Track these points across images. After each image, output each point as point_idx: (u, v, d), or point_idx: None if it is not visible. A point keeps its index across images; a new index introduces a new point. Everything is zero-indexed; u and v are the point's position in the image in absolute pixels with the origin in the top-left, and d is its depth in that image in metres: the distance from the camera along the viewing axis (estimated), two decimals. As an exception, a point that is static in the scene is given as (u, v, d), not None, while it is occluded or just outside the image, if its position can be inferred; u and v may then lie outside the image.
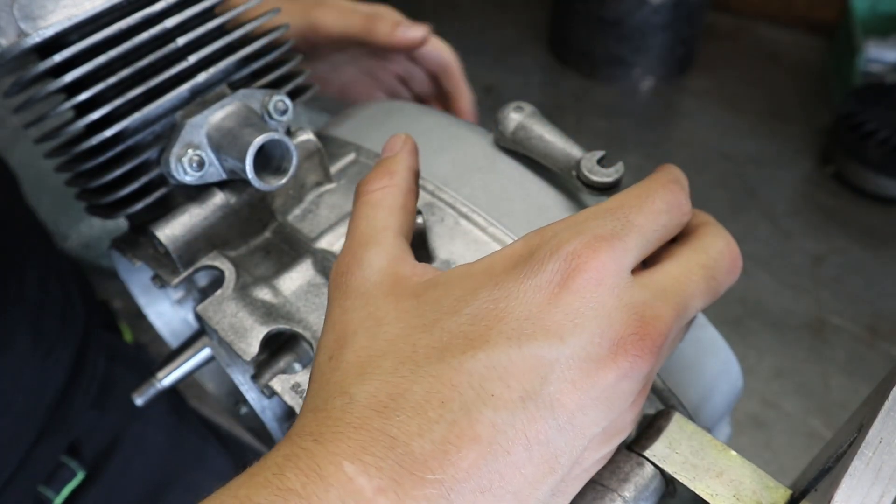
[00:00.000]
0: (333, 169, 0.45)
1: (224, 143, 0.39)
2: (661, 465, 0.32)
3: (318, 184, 0.43)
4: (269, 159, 0.39)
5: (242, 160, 0.37)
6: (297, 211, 0.43)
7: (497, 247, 0.40)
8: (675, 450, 0.33)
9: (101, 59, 0.38)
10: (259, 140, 0.37)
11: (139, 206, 0.41)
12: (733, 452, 0.33)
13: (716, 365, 0.42)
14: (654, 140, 2.32)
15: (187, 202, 0.41)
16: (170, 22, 0.39)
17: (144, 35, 0.39)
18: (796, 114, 2.35)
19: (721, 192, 2.11)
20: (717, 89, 2.46)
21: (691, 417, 0.39)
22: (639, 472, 0.32)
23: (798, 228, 2.03)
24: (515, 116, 0.43)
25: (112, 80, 0.38)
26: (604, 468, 0.32)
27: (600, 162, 0.40)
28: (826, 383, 1.70)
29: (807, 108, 2.37)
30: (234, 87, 0.43)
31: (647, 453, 0.33)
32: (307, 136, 0.43)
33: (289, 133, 0.43)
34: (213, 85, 0.42)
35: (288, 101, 0.41)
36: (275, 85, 0.44)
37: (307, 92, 0.46)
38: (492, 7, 2.82)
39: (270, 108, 0.40)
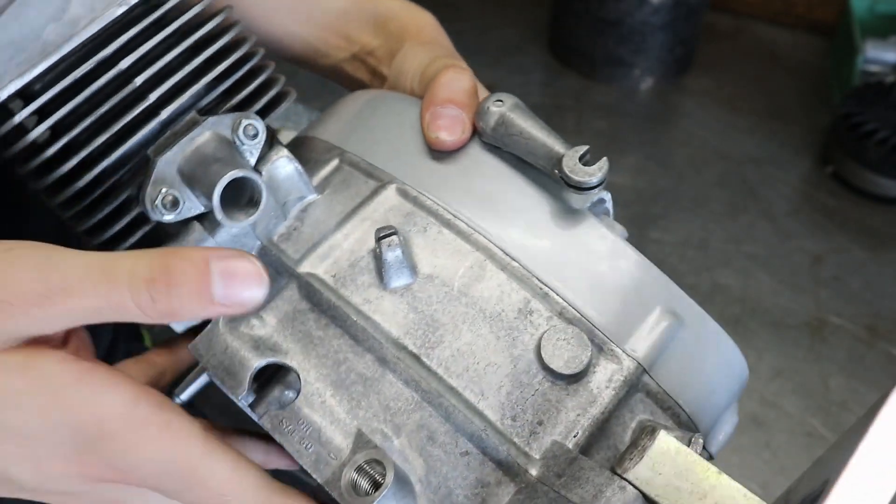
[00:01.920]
0: (317, 179, 0.43)
1: (195, 177, 0.38)
2: (643, 490, 0.32)
3: (301, 198, 0.43)
4: (241, 191, 0.39)
5: (210, 198, 0.37)
6: (281, 229, 0.42)
7: (481, 256, 0.38)
8: (658, 471, 0.32)
9: (62, 111, 0.38)
10: (224, 180, 0.37)
11: (126, 244, 0.41)
12: (720, 472, 0.32)
13: (719, 356, 0.41)
14: (654, 140, 2.32)
15: (167, 239, 0.41)
16: (124, 63, 0.39)
17: (101, 81, 0.38)
18: (796, 114, 2.34)
19: (721, 191, 2.10)
20: (717, 89, 2.46)
21: (690, 418, 0.39)
22: (620, 497, 0.31)
23: (798, 228, 2.03)
24: (495, 110, 0.40)
25: (77, 129, 0.38)
26: (586, 491, 0.32)
27: (582, 159, 0.37)
28: (825, 383, 1.70)
29: (806, 108, 2.36)
30: (205, 112, 0.42)
31: (629, 476, 0.32)
32: (282, 154, 0.42)
33: (271, 138, 0.42)
34: (182, 114, 0.41)
35: (258, 125, 0.40)
36: (251, 99, 0.43)
37: (284, 101, 0.45)
38: (492, 7, 2.81)
39: (240, 133, 0.40)
